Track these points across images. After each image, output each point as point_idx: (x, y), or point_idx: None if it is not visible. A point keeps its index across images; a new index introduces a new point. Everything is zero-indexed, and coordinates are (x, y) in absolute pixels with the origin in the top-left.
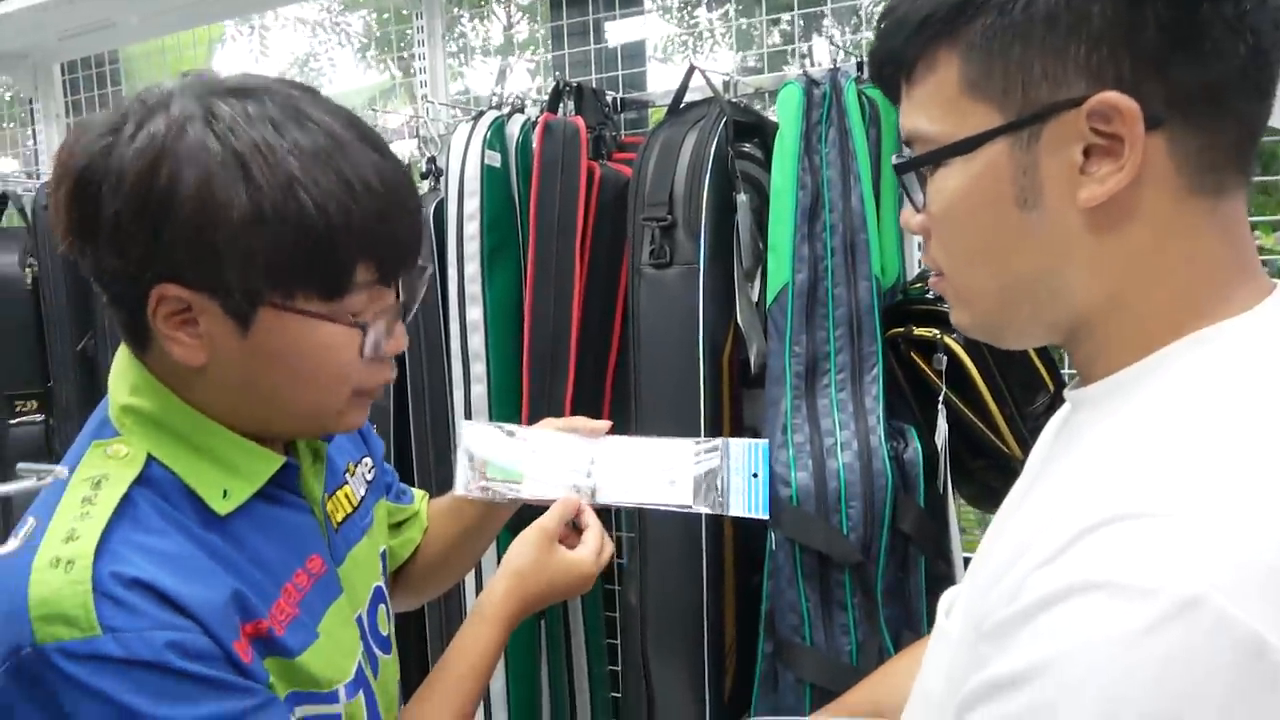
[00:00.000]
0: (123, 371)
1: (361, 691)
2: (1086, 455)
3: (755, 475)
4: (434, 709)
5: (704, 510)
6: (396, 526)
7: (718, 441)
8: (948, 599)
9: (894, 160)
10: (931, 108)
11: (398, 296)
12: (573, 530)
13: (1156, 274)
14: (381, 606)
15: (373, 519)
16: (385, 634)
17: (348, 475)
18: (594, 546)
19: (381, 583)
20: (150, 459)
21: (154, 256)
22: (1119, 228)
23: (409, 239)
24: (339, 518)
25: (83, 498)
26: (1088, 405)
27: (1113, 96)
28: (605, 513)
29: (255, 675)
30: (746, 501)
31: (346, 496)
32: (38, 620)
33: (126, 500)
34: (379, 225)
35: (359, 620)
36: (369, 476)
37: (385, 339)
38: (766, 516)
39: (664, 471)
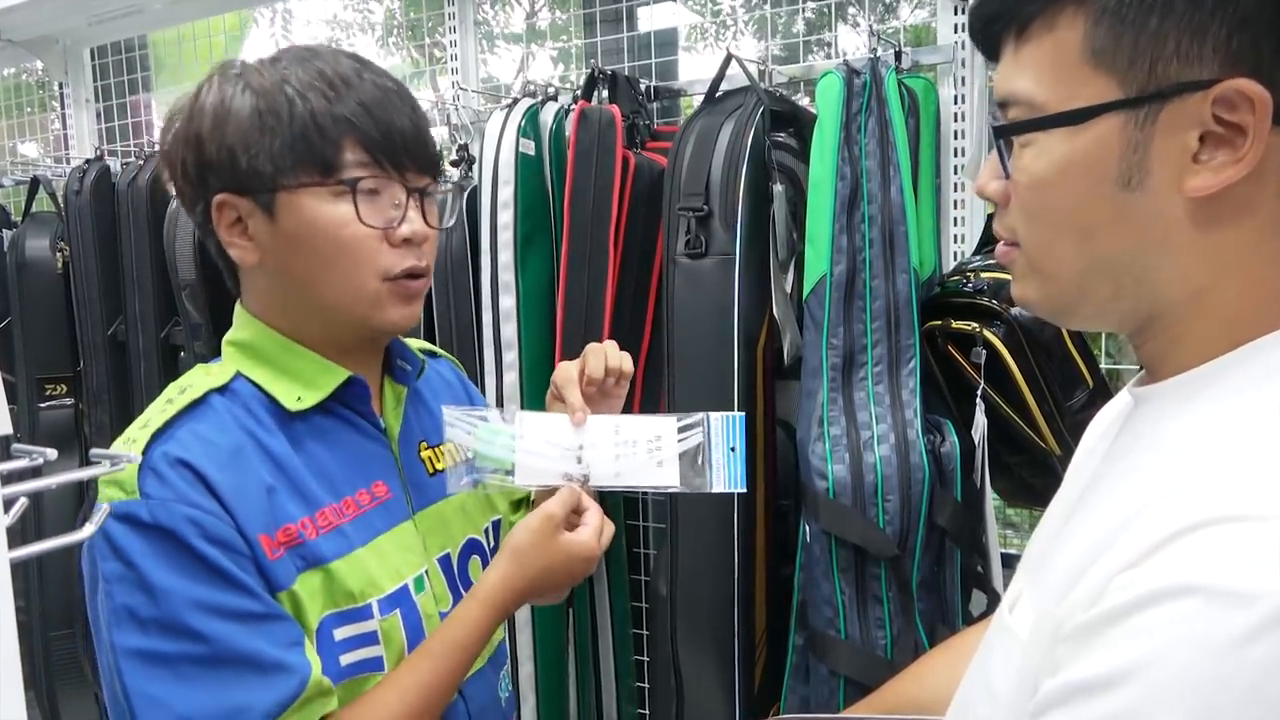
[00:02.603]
0: (235, 318)
1: (399, 611)
2: (1167, 453)
3: (733, 449)
4: (399, 675)
5: (689, 490)
6: (515, 504)
7: (699, 416)
8: (1011, 594)
9: (991, 122)
10: (1043, 70)
11: (408, 188)
12: (572, 512)
13: (1250, 273)
14: (476, 558)
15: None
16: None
17: None
18: (595, 526)
19: (483, 540)
20: (238, 374)
21: (205, 172)
22: (1222, 221)
23: (398, 127)
24: (439, 466)
25: (167, 399)
26: (1158, 401)
27: (1246, 84)
28: (631, 502)
29: (275, 576)
30: (726, 477)
31: (449, 453)
32: (101, 484)
33: (202, 401)
34: (359, 109)
35: (445, 559)
36: None
37: (398, 222)
38: (744, 490)
39: (652, 452)
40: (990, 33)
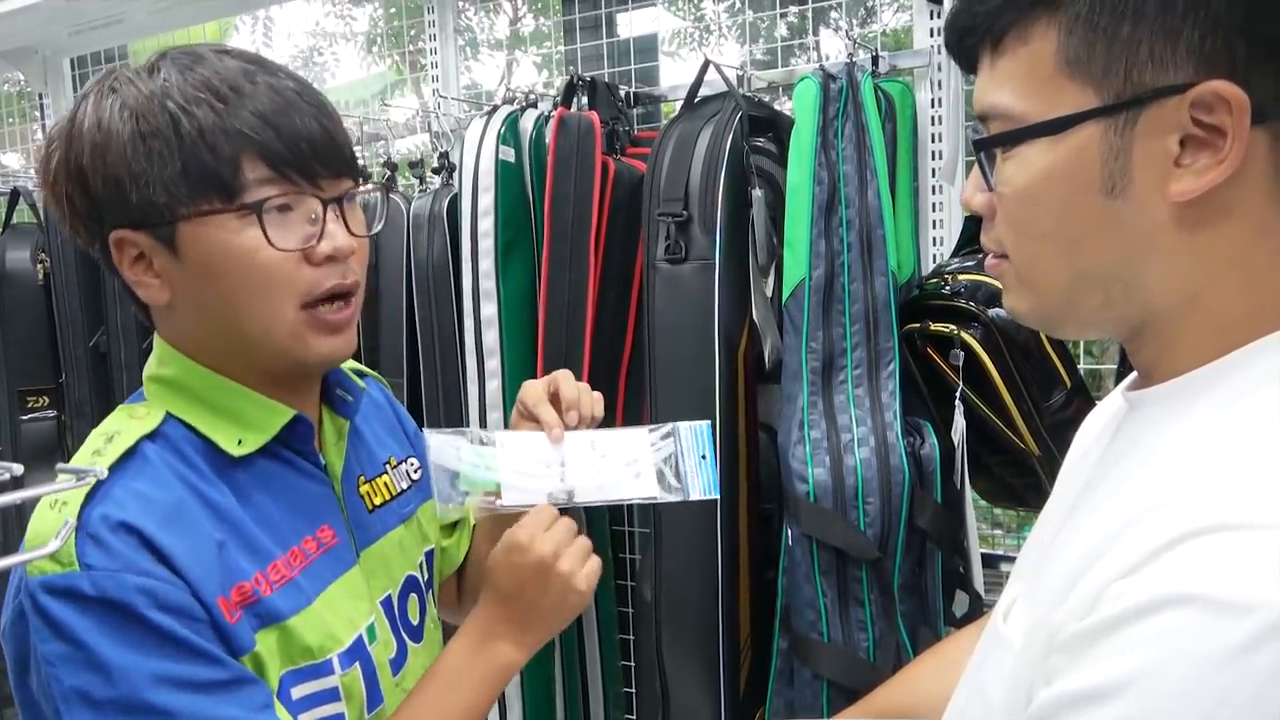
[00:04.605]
0: (154, 350)
1: (358, 664)
2: (1164, 459)
3: (704, 457)
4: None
5: (668, 498)
6: (449, 529)
7: (669, 426)
8: (1004, 602)
9: (972, 135)
10: (1020, 82)
11: (323, 199)
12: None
13: (1241, 277)
14: (414, 596)
15: (415, 513)
16: (415, 624)
17: (388, 468)
18: (557, 537)
19: (419, 574)
20: (168, 416)
21: (95, 208)
22: (1208, 225)
23: (303, 133)
24: (376, 501)
25: (94, 450)
26: (1152, 405)
27: (1222, 86)
28: (616, 507)
29: (237, 639)
30: (701, 484)
31: (386, 485)
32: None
33: (134, 452)
34: (255, 120)
35: (386, 602)
36: (414, 476)
37: (316, 238)
38: (718, 496)
39: (629, 464)
40: (965, 46)
